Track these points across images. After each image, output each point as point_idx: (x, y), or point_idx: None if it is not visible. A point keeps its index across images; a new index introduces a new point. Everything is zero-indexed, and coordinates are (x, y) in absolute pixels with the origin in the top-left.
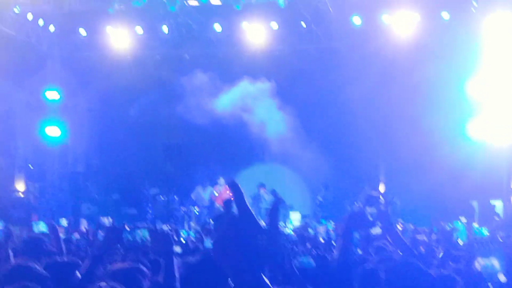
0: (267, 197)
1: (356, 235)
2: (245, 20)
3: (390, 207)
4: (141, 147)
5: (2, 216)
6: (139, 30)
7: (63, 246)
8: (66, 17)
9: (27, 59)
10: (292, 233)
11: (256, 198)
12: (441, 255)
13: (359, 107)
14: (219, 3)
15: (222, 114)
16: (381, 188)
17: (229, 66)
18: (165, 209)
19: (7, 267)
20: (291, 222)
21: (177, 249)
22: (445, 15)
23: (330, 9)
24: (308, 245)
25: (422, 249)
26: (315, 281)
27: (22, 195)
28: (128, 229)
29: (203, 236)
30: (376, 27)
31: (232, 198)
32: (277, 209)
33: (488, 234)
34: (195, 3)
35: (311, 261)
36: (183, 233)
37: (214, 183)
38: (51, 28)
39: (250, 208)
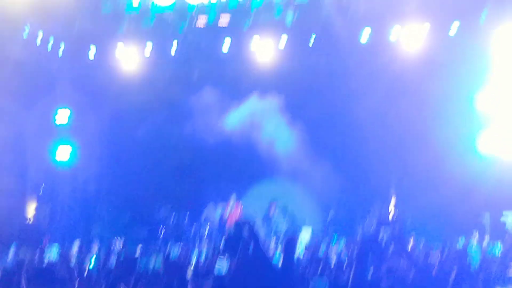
0: (279, 215)
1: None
2: (253, 38)
3: (401, 224)
4: (151, 167)
5: (14, 239)
6: (148, 50)
7: (75, 273)
8: (76, 36)
9: (36, 81)
10: (303, 253)
11: (267, 216)
12: (453, 275)
13: (369, 122)
14: (226, 25)
15: (232, 131)
16: (392, 203)
17: (237, 84)
18: (176, 229)
19: None
20: (301, 243)
21: (189, 272)
22: (454, 27)
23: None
24: (320, 266)
25: (434, 269)
26: None
27: (33, 218)
28: (139, 256)
29: (214, 258)
30: (385, 42)
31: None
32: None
33: (500, 254)
34: (202, 25)
35: (324, 283)
36: (194, 253)
37: (225, 202)
38: (60, 51)
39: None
